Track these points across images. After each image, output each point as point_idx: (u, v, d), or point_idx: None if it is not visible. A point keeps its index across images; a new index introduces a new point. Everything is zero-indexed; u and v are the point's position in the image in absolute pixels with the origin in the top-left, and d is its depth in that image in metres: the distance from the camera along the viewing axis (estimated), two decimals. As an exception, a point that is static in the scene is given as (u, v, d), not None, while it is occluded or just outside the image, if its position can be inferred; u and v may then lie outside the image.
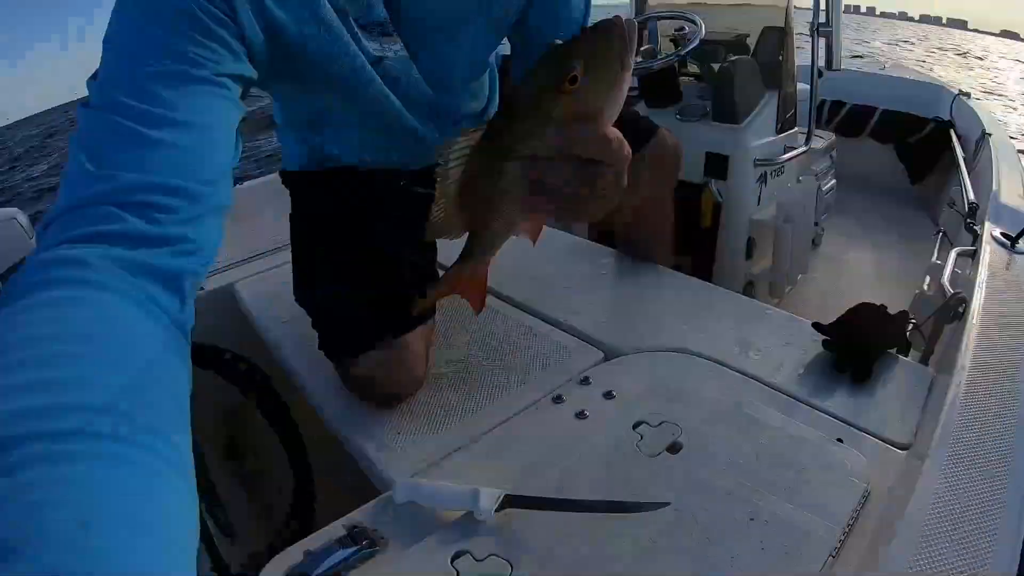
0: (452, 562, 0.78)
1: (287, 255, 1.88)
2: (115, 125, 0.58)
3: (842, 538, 0.79)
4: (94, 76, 0.63)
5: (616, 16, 0.54)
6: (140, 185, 0.56)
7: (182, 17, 0.64)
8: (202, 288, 1.82)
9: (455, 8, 0.92)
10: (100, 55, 0.64)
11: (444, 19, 0.93)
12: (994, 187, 1.93)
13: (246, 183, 2.49)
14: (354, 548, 0.81)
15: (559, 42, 0.54)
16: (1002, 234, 1.50)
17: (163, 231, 0.57)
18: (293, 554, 0.82)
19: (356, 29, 0.84)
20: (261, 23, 0.74)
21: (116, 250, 0.53)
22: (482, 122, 1.26)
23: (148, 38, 0.63)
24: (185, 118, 0.61)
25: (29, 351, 0.43)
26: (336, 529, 0.86)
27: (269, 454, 1.68)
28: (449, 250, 1.52)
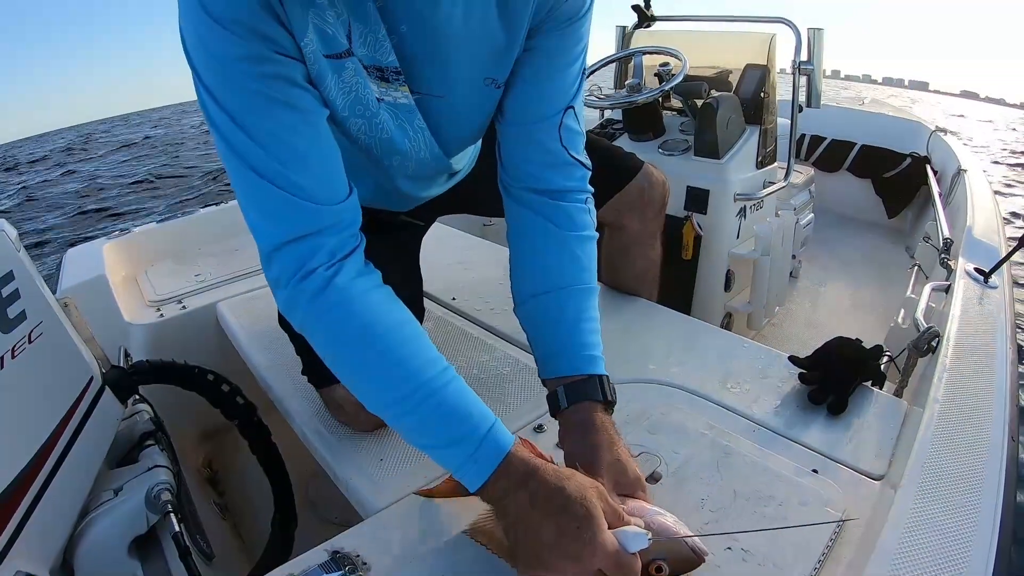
0: (435, 588, 0.79)
1: (270, 277, 1.88)
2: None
3: (817, 567, 0.80)
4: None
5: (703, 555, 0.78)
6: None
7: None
8: (184, 307, 1.82)
9: (460, 72, 0.94)
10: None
11: (450, 83, 0.94)
12: (968, 222, 1.97)
13: (231, 202, 2.50)
14: (337, 572, 0.82)
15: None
16: (976, 269, 1.54)
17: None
18: (276, 578, 0.82)
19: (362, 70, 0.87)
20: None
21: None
22: (457, 180, 1.28)
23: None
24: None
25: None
26: (319, 554, 0.86)
27: (249, 477, 1.67)
28: (434, 280, 1.53)
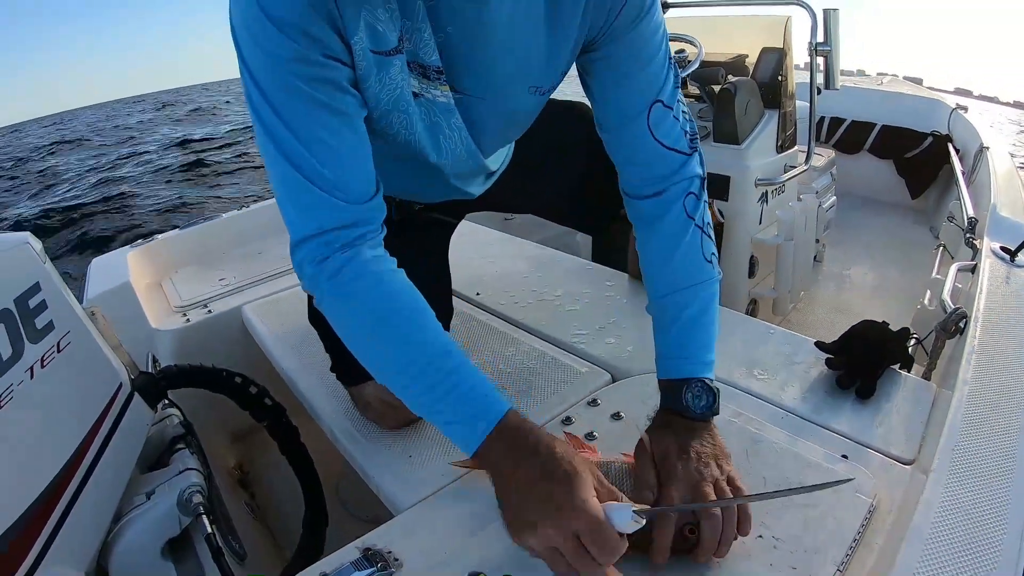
0: (467, 582, 0.80)
1: (293, 279, 1.89)
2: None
3: (849, 553, 0.80)
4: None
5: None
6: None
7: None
8: (209, 311, 1.84)
9: (503, 77, 0.95)
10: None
11: (493, 86, 0.95)
12: (992, 200, 1.94)
13: (253, 206, 2.51)
14: (369, 569, 0.82)
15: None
16: (1001, 248, 1.51)
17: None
18: (309, 576, 0.83)
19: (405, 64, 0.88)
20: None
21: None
22: (494, 180, 1.28)
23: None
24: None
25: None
26: (350, 551, 0.87)
27: (279, 477, 1.69)
28: (458, 275, 1.54)
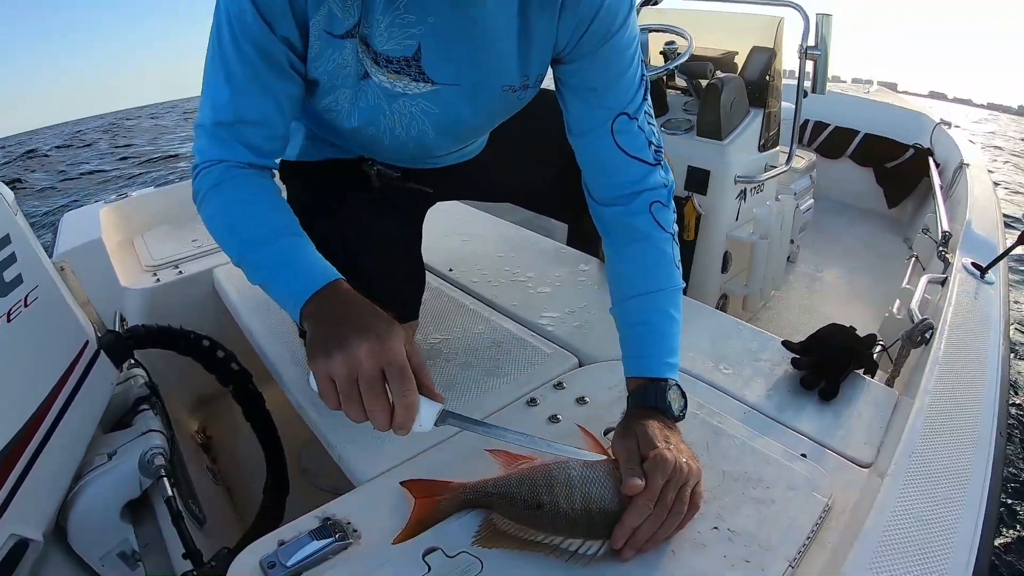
0: (424, 557, 0.80)
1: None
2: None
3: (801, 550, 0.81)
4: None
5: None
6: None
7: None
8: (180, 272, 1.82)
9: (476, 70, 0.96)
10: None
11: (466, 77, 0.97)
12: (968, 216, 1.97)
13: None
14: (328, 540, 0.82)
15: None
16: (972, 264, 1.54)
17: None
18: (266, 544, 0.83)
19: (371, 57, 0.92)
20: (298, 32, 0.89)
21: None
22: (458, 159, 1.30)
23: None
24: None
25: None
26: (310, 520, 0.87)
27: (242, 444, 1.68)
28: (432, 250, 1.53)
